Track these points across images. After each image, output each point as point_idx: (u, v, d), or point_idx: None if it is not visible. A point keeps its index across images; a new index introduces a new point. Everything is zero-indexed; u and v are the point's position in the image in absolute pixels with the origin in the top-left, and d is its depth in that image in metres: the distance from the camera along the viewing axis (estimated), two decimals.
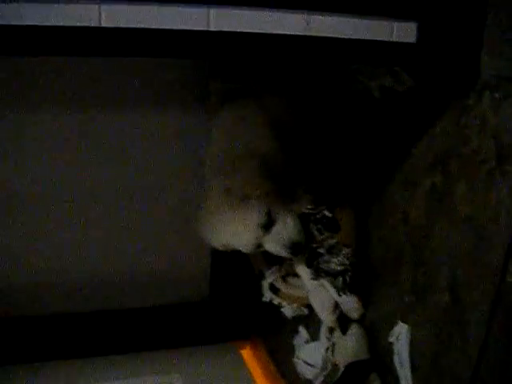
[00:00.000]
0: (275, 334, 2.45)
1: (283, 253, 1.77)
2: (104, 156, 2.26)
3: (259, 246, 1.78)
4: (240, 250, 1.83)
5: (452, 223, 1.46)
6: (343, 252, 1.76)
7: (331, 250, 1.77)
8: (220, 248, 1.88)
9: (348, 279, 1.76)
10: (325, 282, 1.80)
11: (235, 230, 1.76)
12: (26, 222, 2.26)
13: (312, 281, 1.84)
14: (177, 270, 2.57)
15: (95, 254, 2.42)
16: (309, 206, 1.77)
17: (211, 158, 1.91)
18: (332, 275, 1.78)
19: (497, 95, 1.33)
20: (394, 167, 1.68)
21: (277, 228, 1.74)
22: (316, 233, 1.80)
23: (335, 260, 1.76)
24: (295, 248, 1.75)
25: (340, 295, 1.78)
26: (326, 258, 1.78)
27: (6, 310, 2.31)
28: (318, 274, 1.80)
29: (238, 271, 2.39)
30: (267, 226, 1.73)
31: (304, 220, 1.79)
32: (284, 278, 2.02)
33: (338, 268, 1.76)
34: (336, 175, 1.86)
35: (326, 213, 1.78)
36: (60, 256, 2.36)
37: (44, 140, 2.19)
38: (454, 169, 1.46)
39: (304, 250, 1.80)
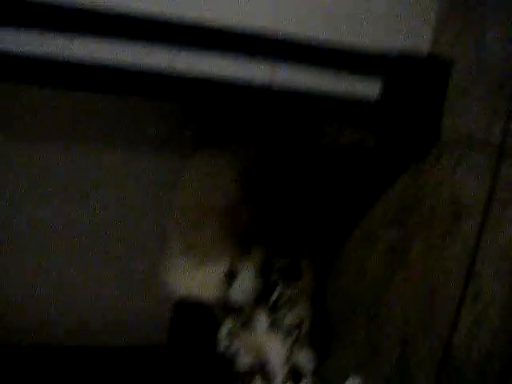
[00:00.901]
0: None
1: (245, 303, 1.79)
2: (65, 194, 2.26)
3: (222, 297, 1.78)
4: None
5: (407, 280, 1.48)
6: (299, 307, 1.76)
7: (288, 304, 1.77)
8: (183, 296, 1.88)
9: (302, 334, 1.75)
10: (278, 335, 1.79)
11: (197, 283, 1.78)
12: None
13: (267, 332, 1.83)
14: (137, 313, 2.54)
15: (54, 289, 2.39)
16: (262, 256, 1.78)
17: (176, 209, 1.92)
18: (286, 330, 1.78)
19: (454, 157, 1.36)
20: (355, 221, 1.70)
21: (239, 280, 1.77)
22: (279, 281, 1.81)
23: (290, 315, 1.76)
24: (257, 299, 1.79)
25: (291, 350, 1.78)
26: (282, 311, 1.78)
27: None
28: (272, 327, 1.80)
29: (198, 319, 2.37)
30: (229, 278, 1.76)
31: (266, 270, 1.80)
32: (242, 327, 2.01)
33: (292, 324, 1.76)
34: (298, 226, 1.88)
35: (284, 262, 1.78)
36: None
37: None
38: (411, 227, 1.49)
39: (265, 299, 1.80)
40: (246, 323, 1.97)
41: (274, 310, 1.81)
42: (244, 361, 2.04)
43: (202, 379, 2.56)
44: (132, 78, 1.25)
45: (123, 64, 1.22)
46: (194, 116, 2.06)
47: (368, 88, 1.39)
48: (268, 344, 1.88)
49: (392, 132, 1.47)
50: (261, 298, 1.79)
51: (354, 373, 1.64)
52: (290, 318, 1.77)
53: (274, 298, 1.79)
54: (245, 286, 1.76)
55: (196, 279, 1.77)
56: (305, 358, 1.80)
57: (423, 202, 1.44)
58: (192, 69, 1.28)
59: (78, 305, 2.41)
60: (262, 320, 1.88)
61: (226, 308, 1.97)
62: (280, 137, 1.90)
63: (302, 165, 1.90)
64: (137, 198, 2.32)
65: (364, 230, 1.67)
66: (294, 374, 1.83)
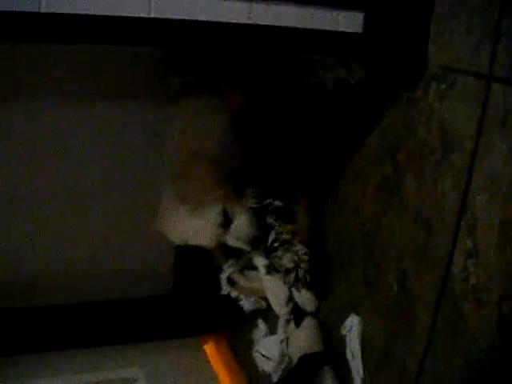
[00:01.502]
0: (236, 329, 2.44)
1: (244, 247, 1.78)
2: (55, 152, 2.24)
3: (219, 242, 1.78)
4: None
5: (401, 215, 1.46)
6: (295, 248, 1.75)
7: (284, 246, 1.76)
8: (181, 244, 1.88)
9: (300, 275, 1.75)
10: (278, 276, 1.80)
11: (193, 231, 1.78)
12: None
13: (267, 274, 1.84)
14: (140, 265, 2.55)
15: (55, 245, 2.39)
16: (255, 200, 1.76)
17: (167, 158, 1.90)
18: (284, 271, 1.78)
19: (443, 86, 1.33)
20: (347, 160, 1.68)
21: (234, 225, 1.76)
22: (274, 223, 1.80)
23: (287, 256, 1.76)
24: (254, 242, 1.77)
25: (291, 291, 1.78)
26: (279, 253, 1.78)
27: None
28: (270, 269, 1.80)
29: (201, 266, 2.38)
30: (225, 224, 1.75)
31: (261, 213, 1.79)
32: (242, 271, 2.01)
33: (289, 265, 1.76)
34: (290, 168, 1.86)
35: (278, 203, 1.77)
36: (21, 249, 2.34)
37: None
38: (402, 161, 1.46)
39: (262, 242, 1.80)
40: (246, 266, 1.98)
41: (271, 251, 1.81)
42: (246, 303, 2.06)
43: (209, 323, 2.60)
44: (111, 26, 1.21)
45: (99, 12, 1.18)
46: (181, 63, 2.02)
47: (352, 20, 1.35)
48: (268, 286, 1.89)
49: (378, 63, 1.43)
50: (258, 240, 1.77)
51: (354, 311, 1.64)
52: (287, 259, 1.77)
53: (270, 240, 1.79)
54: (240, 230, 1.74)
55: (190, 227, 1.76)
56: (305, 299, 1.81)
57: (414, 135, 1.41)
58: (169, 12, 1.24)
59: (79, 259, 2.43)
60: (260, 262, 1.88)
61: (225, 252, 1.97)
62: (268, 78, 1.86)
63: (292, 105, 1.86)
64: (130, 147, 2.31)
65: (356, 168, 1.65)
66: (296, 314, 1.84)
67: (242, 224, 1.76)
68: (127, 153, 2.33)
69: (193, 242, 1.82)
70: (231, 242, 1.79)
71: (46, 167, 2.24)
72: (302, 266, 1.76)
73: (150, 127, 2.28)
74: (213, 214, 1.73)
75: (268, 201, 1.77)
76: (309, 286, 1.79)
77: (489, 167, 1.21)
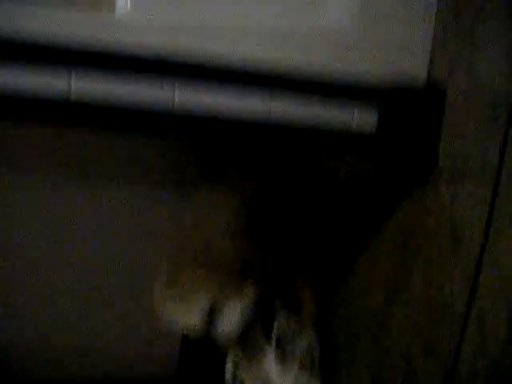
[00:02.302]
0: None
1: (226, 341, 1.85)
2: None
3: (205, 331, 1.83)
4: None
5: (408, 308, 1.48)
6: (305, 335, 1.76)
7: (293, 333, 1.77)
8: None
9: (309, 363, 1.76)
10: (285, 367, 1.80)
11: (180, 319, 1.83)
12: None
13: (275, 364, 1.84)
14: (145, 346, 2.54)
15: (59, 323, 2.39)
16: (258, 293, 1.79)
17: (171, 244, 1.96)
18: (292, 361, 1.78)
19: (452, 186, 1.37)
20: (357, 251, 1.71)
21: (220, 322, 1.81)
22: (280, 313, 1.81)
23: (296, 344, 1.77)
24: (238, 340, 1.84)
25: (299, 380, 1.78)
26: (288, 342, 1.78)
27: None
28: (278, 358, 1.80)
29: (207, 351, 2.37)
30: (210, 319, 1.80)
31: (266, 302, 1.81)
32: (248, 361, 2.01)
33: (299, 352, 1.76)
34: (298, 255, 1.89)
35: (287, 292, 1.79)
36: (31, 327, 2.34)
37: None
38: (411, 254, 1.49)
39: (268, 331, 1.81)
40: (252, 355, 1.97)
41: (278, 341, 1.81)
42: None
43: None
44: (132, 116, 1.27)
45: (122, 101, 1.24)
46: (196, 152, 2.08)
47: (366, 118, 1.41)
48: (274, 376, 1.88)
49: (391, 161, 1.48)
50: (264, 329, 1.78)
51: None
52: (294, 349, 1.77)
53: (276, 329, 1.80)
54: (224, 328, 1.79)
55: (177, 317, 1.79)
56: None
57: (424, 230, 1.45)
58: (191, 105, 1.30)
59: (84, 340, 2.42)
60: (267, 352, 1.88)
61: (240, 337, 1.97)
62: (280, 170, 1.92)
63: (303, 196, 1.91)
64: (138, 234, 2.34)
65: (366, 259, 1.68)
66: None
67: (226, 322, 1.81)
68: (135, 238, 2.36)
69: (179, 328, 1.85)
70: (215, 333, 1.82)
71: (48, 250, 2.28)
72: (309, 355, 1.76)
73: (161, 216, 2.31)
74: (199, 309, 1.79)
75: (274, 290, 1.79)
76: (316, 376, 1.78)
77: (497, 263, 1.23)
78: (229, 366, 2.02)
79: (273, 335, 1.82)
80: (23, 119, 1.26)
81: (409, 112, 1.41)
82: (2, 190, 2.12)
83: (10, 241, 2.19)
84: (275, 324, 1.80)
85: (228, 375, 2.05)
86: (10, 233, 2.19)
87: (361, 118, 1.39)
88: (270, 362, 1.88)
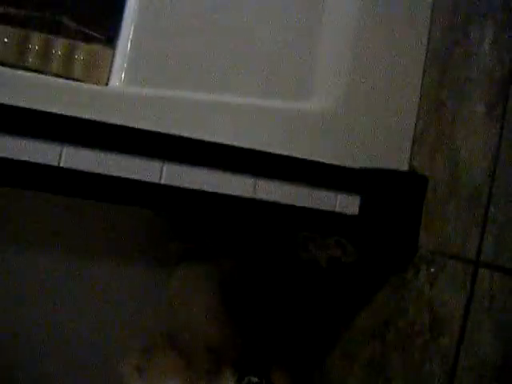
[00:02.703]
0: None
1: None
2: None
3: None
4: None
5: None
6: None
7: None
8: None
9: None
10: None
11: None
12: None
13: None
14: None
15: None
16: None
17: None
18: None
19: (433, 269, 1.38)
20: (335, 337, 1.70)
21: None
22: None
23: None
24: None
25: None
26: None
27: None
28: None
29: None
30: None
31: None
32: None
33: None
34: (273, 341, 1.87)
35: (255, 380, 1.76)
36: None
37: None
38: (390, 341, 1.48)
39: None
40: None
41: None
42: None
43: None
44: (121, 188, 1.29)
45: (110, 171, 1.26)
46: (179, 229, 2.10)
47: (348, 201, 1.44)
48: None
49: (371, 244, 1.50)
50: None
51: None
52: None
53: None
54: None
55: None
56: None
57: (403, 316, 1.45)
58: (179, 181, 1.32)
59: None
60: None
61: None
62: (262, 250, 1.93)
63: (283, 278, 1.92)
64: (119, 308, 2.31)
65: (344, 345, 1.66)
66: None
67: None
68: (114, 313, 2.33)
69: None
70: None
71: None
72: None
73: (139, 292, 2.30)
74: None
75: (247, 379, 1.76)
76: None
77: (475, 350, 1.23)
78: None
79: None
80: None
81: (391, 195, 1.44)
82: None
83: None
84: None
85: None
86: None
87: (344, 199, 1.41)
88: None
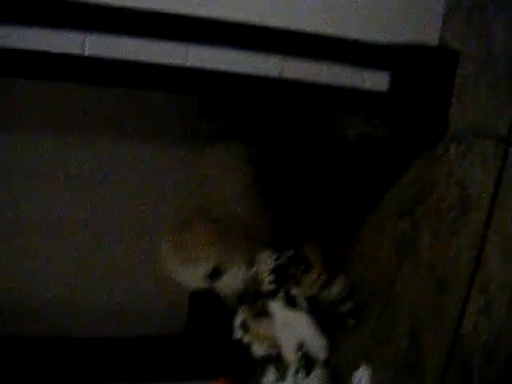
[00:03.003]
0: (245, 375, 2.44)
1: (229, 299, 1.89)
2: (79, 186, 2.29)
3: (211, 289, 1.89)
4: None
5: (415, 270, 1.49)
6: (311, 295, 1.78)
7: (300, 292, 1.80)
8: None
9: (314, 322, 1.79)
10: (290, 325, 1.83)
11: (186, 278, 1.88)
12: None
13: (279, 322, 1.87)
14: (154, 304, 2.56)
15: (71, 283, 2.42)
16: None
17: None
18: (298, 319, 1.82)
19: (463, 147, 1.37)
20: (366, 213, 1.71)
21: (225, 279, 1.86)
22: (289, 273, 1.83)
23: (302, 303, 1.79)
24: (240, 298, 1.89)
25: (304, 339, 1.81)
26: (295, 301, 1.81)
27: None
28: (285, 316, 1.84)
29: (215, 308, 2.39)
30: (214, 277, 1.85)
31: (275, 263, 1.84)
32: (255, 317, 2.03)
33: (304, 312, 1.79)
34: (307, 218, 1.90)
35: (295, 253, 1.81)
36: (42, 283, 2.37)
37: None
38: (420, 216, 1.49)
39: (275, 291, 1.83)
40: (259, 312, 2.00)
41: (285, 300, 1.84)
42: (258, 349, 2.07)
43: (220, 366, 2.59)
44: (147, 72, 1.28)
45: (139, 59, 1.24)
46: (209, 109, 2.08)
47: (378, 79, 1.41)
48: (280, 334, 1.90)
49: (401, 121, 1.48)
50: (242, 297, 1.88)
51: (364, 363, 1.66)
52: (302, 307, 1.79)
53: (284, 289, 1.82)
54: (228, 285, 1.86)
55: (182, 275, 1.85)
56: (317, 347, 1.82)
57: (433, 192, 1.45)
58: (206, 63, 1.30)
59: (90, 298, 2.45)
60: (274, 310, 1.91)
61: (240, 298, 2.00)
62: (292, 128, 1.92)
63: (313, 155, 1.91)
64: (146, 190, 2.35)
65: (375, 221, 1.68)
66: (307, 362, 1.85)
67: (230, 280, 1.87)
68: (148, 194, 2.37)
69: (186, 285, 1.93)
70: (220, 291, 1.89)
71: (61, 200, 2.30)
72: (315, 314, 1.79)
73: (169, 172, 2.32)
74: (203, 269, 1.84)
75: (283, 252, 1.81)
76: (321, 335, 1.81)
77: (504, 227, 1.24)
78: (237, 323, 2.05)
79: (281, 293, 1.84)
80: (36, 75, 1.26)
81: (421, 71, 1.40)
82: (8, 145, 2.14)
83: (11, 196, 2.21)
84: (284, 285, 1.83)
85: (236, 332, 2.07)
86: (13, 187, 2.21)
87: (372, 76, 1.38)
88: (275, 320, 1.91)
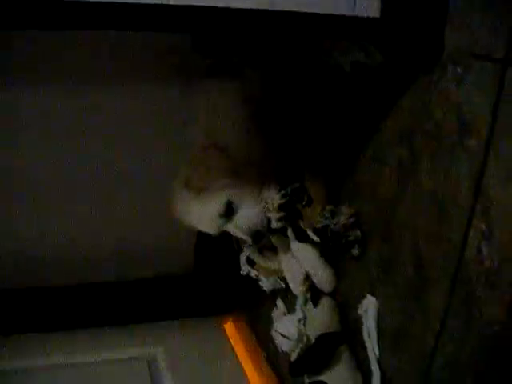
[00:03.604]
0: (255, 308, 2.48)
1: (244, 239, 1.86)
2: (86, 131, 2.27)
3: (221, 230, 1.86)
4: None
5: (416, 198, 1.48)
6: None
7: (303, 226, 1.80)
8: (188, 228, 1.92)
9: (318, 254, 1.80)
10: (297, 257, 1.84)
11: (196, 217, 1.84)
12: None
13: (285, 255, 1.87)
14: (163, 243, 2.58)
15: (81, 227, 2.43)
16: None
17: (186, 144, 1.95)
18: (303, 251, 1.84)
19: (459, 69, 1.33)
20: (363, 143, 1.69)
21: (237, 217, 1.81)
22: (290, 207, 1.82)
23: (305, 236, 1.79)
24: (255, 236, 1.83)
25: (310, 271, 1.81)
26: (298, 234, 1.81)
27: None
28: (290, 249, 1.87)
29: (222, 245, 2.40)
30: (227, 214, 1.81)
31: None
32: (261, 252, 2.04)
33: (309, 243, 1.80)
34: (305, 152, 1.88)
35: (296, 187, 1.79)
36: (47, 229, 2.38)
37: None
38: (418, 144, 1.47)
39: (264, 236, 1.86)
40: (265, 247, 2.01)
41: (292, 234, 1.84)
42: (266, 283, 2.09)
43: (230, 302, 2.63)
44: (134, 12, 1.23)
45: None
46: (202, 46, 2.04)
47: (370, 3, 1.36)
48: (287, 266, 1.92)
49: (396, 46, 1.44)
50: (258, 235, 1.84)
51: (370, 292, 1.66)
52: (307, 241, 1.80)
53: (290, 223, 1.82)
54: (243, 222, 1.81)
55: (194, 213, 1.83)
56: (323, 278, 1.83)
57: (430, 118, 1.42)
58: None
59: (100, 238, 2.47)
60: (280, 244, 1.92)
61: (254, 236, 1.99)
62: (287, 61, 1.88)
63: (309, 87, 1.88)
64: (148, 130, 2.34)
65: (372, 151, 1.66)
66: (314, 294, 1.87)
67: (244, 217, 1.81)
68: (150, 136, 2.36)
69: (197, 227, 1.88)
70: (233, 231, 1.85)
71: (68, 151, 2.28)
72: (319, 246, 1.79)
73: (172, 112, 2.30)
74: (216, 204, 1.79)
75: (283, 186, 1.79)
76: (327, 266, 1.82)
77: (504, 151, 1.21)
78: (243, 258, 2.06)
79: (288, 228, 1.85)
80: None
81: None
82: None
83: (16, 138, 2.20)
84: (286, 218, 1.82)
85: (243, 267, 2.09)
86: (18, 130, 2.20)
87: (363, 1, 1.33)
88: (281, 253, 1.93)
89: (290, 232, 1.86)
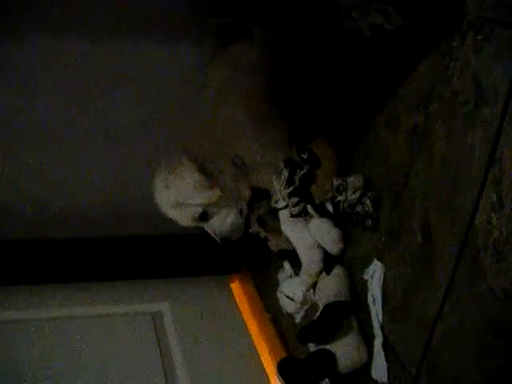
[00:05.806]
0: (263, 269, 2.49)
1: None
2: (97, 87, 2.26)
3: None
4: None
5: (429, 165, 1.47)
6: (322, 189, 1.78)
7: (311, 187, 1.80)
8: None
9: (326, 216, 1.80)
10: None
11: (174, 216, 1.95)
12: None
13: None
14: None
15: (90, 183, 2.43)
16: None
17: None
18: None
19: (479, 37, 1.31)
20: (378, 107, 1.68)
21: (211, 222, 1.93)
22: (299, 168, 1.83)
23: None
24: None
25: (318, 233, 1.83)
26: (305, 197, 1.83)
27: None
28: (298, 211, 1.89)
29: None
30: (202, 219, 1.92)
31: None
32: (272, 212, 2.04)
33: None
34: (318, 113, 1.87)
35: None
36: (55, 184, 2.39)
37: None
38: (434, 110, 1.46)
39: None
40: (274, 210, 2.01)
41: (297, 195, 1.84)
42: (274, 244, 2.09)
43: (236, 262, 2.64)
44: None
45: None
46: (219, 9, 2.02)
47: None
48: (292, 230, 1.92)
49: (416, 10, 1.42)
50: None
51: (377, 258, 1.67)
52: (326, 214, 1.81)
53: (295, 184, 1.82)
54: (214, 228, 1.94)
55: (172, 214, 1.94)
56: (331, 241, 1.83)
57: (447, 85, 1.40)
58: None
59: (112, 196, 2.47)
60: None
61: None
62: (303, 23, 1.86)
63: (326, 50, 1.86)
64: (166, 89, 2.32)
65: (387, 115, 1.65)
66: (326, 261, 1.87)
67: (216, 225, 1.93)
68: (162, 95, 2.34)
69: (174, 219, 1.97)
70: (207, 229, 1.96)
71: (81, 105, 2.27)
72: (327, 208, 1.80)
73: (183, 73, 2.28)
74: (192, 210, 1.89)
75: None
76: (335, 228, 1.82)
77: None
78: (254, 219, 2.06)
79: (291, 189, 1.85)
80: None
81: None
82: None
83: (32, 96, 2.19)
84: (295, 178, 1.83)
85: (253, 227, 2.09)
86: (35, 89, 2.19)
87: None
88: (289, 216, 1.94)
89: (310, 208, 1.87)
